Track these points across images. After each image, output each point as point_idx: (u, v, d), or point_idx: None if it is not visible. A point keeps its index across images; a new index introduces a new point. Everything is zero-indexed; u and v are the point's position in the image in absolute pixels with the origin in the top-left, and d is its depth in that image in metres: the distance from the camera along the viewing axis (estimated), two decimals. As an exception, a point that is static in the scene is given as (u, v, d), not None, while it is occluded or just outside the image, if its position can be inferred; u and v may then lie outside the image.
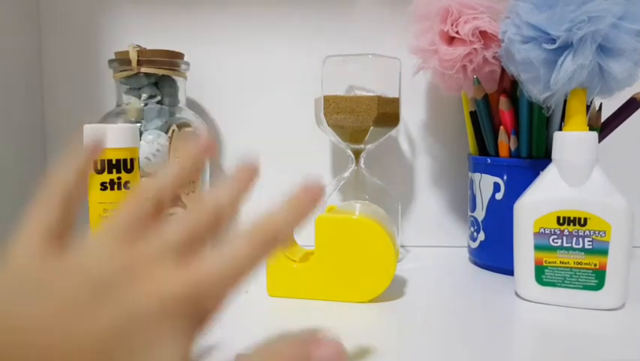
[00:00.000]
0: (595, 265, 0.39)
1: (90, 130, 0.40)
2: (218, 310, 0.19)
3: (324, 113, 0.49)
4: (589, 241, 0.39)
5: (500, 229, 0.48)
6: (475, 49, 0.45)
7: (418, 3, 0.49)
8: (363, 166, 0.53)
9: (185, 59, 0.53)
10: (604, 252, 0.38)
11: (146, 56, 0.49)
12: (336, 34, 0.59)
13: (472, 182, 0.52)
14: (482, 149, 0.52)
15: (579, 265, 0.39)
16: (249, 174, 0.23)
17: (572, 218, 0.39)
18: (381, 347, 0.33)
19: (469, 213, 0.53)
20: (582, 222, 0.39)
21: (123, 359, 0.16)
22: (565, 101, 0.43)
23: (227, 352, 0.32)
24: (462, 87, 0.50)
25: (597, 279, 0.39)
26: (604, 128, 0.48)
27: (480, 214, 0.51)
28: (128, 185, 0.43)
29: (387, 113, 0.49)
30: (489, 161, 0.49)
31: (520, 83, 0.42)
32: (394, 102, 0.50)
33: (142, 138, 0.48)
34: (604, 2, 0.37)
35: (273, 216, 0.22)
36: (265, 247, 0.21)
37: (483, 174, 0.50)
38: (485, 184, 0.50)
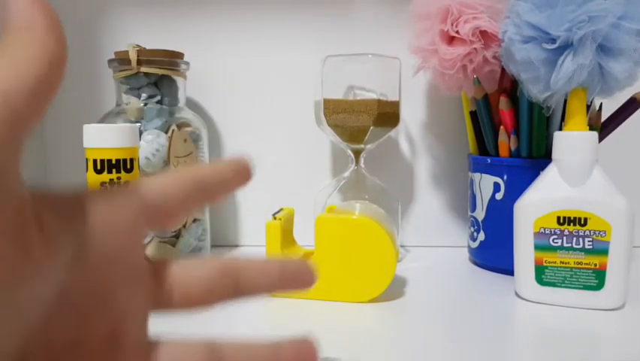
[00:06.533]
0: (595, 265, 0.39)
1: (90, 130, 0.40)
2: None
3: (324, 113, 0.49)
4: (589, 241, 0.39)
5: (500, 229, 0.48)
6: (475, 49, 0.45)
7: (417, 3, 0.49)
8: (363, 166, 0.53)
9: (185, 59, 0.53)
10: (604, 252, 0.38)
11: (146, 56, 0.49)
12: (336, 34, 0.59)
13: (472, 182, 0.52)
14: (482, 149, 0.52)
15: (579, 265, 0.39)
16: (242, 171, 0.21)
17: (572, 218, 0.39)
18: (381, 347, 0.33)
19: (469, 213, 0.53)
20: (582, 222, 0.39)
21: None
22: (565, 101, 0.43)
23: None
24: (462, 87, 0.50)
25: (597, 279, 0.39)
26: (604, 128, 0.48)
27: (480, 214, 0.51)
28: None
29: (387, 113, 0.49)
30: (489, 161, 0.49)
31: (520, 82, 0.42)
32: (394, 103, 0.50)
33: (142, 137, 0.48)
34: (604, 2, 0.37)
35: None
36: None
37: (483, 174, 0.50)
38: (485, 184, 0.50)
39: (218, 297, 0.20)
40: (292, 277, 0.21)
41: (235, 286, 0.20)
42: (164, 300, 0.19)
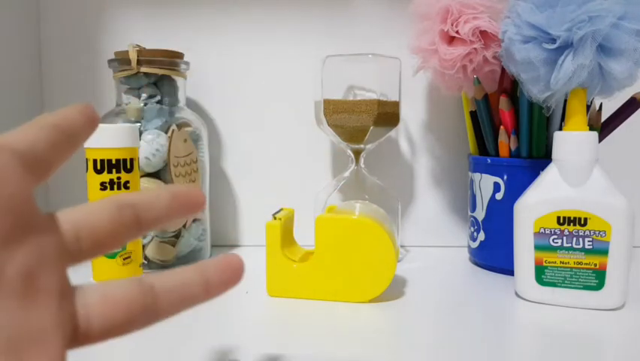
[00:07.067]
0: (595, 265, 0.39)
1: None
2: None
3: (325, 113, 0.49)
4: (589, 241, 0.39)
5: (500, 229, 0.48)
6: (475, 49, 0.45)
7: (418, 3, 0.49)
8: (363, 166, 0.53)
9: (185, 59, 0.53)
10: (604, 252, 0.38)
11: (146, 56, 0.49)
12: (336, 35, 0.59)
13: (472, 182, 0.52)
14: (482, 149, 0.52)
15: (579, 265, 0.39)
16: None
17: (572, 218, 0.39)
18: (381, 347, 0.33)
19: (469, 213, 0.53)
20: (582, 222, 0.39)
21: None
22: (565, 101, 0.43)
23: (225, 352, 0.32)
24: (462, 87, 0.50)
25: (597, 279, 0.39)
26: (604, 128, 0.48)
27: (480, 214, 0.51)
28: (128, 185, 0.43)
29: (387, 113, 0.49)
30: (489, 161, 0.49)
31: (520, 82, 0.42)
32: (394, 103, 0.50)
33: (141, 137, 0.48)
34: (604, 2, 0.37)
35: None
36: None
37: (483, 174, 0.50)
38: (485, 184, 0.50)
39: (126, 233, 0.20)
40: (184, 199, 0.21)
41: (137, 220, 0.20)
42: (75, 249, 0.19)
